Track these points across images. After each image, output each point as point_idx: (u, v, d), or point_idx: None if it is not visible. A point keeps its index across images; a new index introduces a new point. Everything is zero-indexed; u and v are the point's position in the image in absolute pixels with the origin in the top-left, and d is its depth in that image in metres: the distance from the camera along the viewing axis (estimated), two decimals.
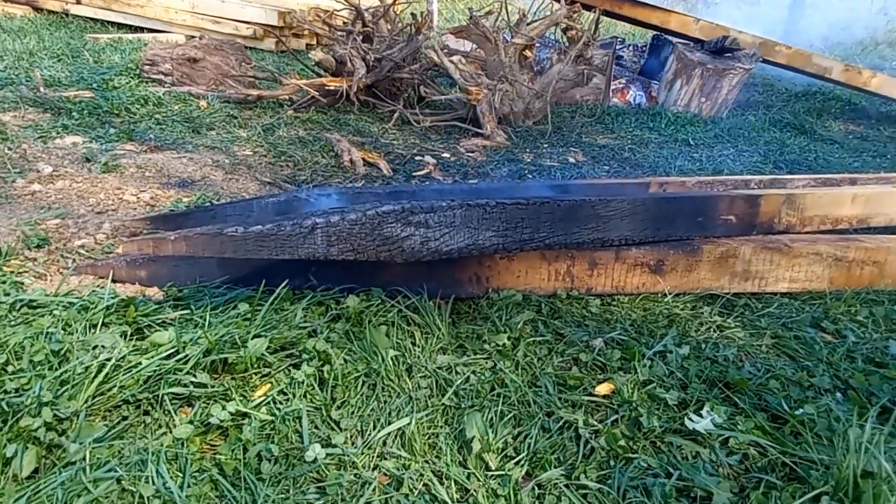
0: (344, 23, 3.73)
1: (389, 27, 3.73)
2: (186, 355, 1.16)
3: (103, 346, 1.19)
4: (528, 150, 3.17)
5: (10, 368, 1.11)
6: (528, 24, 3.65)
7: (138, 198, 2.00)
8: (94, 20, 5.89)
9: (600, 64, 4.20)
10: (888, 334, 1.55)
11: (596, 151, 3.22)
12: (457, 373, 1.28)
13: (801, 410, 1.19)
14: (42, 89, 3.07)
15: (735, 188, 2.32)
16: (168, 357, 1.16)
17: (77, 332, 1.24)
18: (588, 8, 4.61)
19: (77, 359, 1.14)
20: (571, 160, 3.06)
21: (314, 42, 5.94)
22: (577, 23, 3.64)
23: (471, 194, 1.96)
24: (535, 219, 1.48)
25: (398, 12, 3.97)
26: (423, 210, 1.35)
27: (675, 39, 4.49)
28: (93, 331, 1.25)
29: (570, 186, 2.15)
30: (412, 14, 3.67)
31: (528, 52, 3.53)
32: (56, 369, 1.11)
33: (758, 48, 4.15)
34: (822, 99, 4.86)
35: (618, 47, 5.84)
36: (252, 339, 1.23)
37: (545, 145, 3.28)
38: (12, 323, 1.26)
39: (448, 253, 1.40)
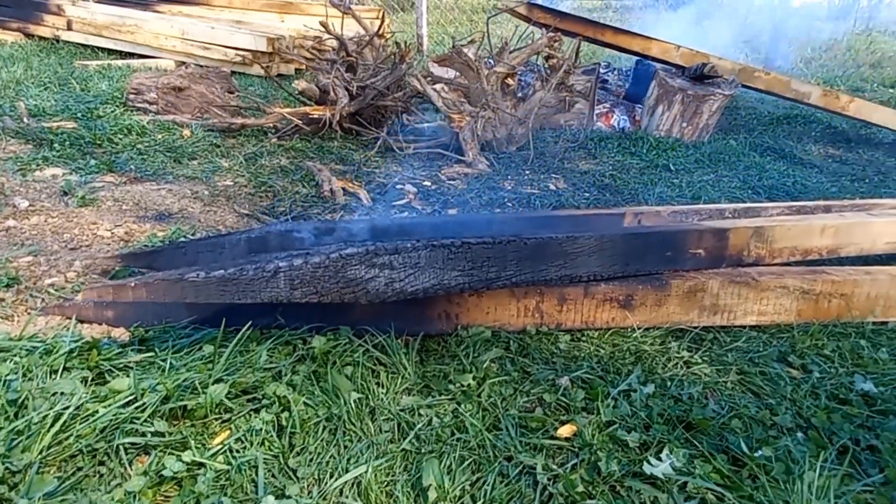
0: (332, 49, 3.77)
1: (374, 55, 3.78)
2: (144, 403, 1.16)
3: (62, 394, 1.19)
4: (509, 177, 3.20)
5: None
6: (510, 52, 3.71)
7: (112, 233, 2.00)
8: (85, 46, 5.95)
9: (583, 90, 4.25)
10: (854, 369, 1.56)
11: (577, 178, 3.25)
12: (420, 415, 1.29)
13: (760, 452, 1.20)
14: (26, 119, 3.09)
15: (709, 217, 2.35)
16: (126, 405, 1.16)
17: (38, 377, 1.23)
18: (570, 34, 4.69)
19: (34, 408, 1.14)
20: (552, 187, 3.08)
21: (304, 67, 6.02)
22: (558, 51, 3.70)
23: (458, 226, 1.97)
24: (501, 257, 1.49)
25: (386, 39, 4.03)
26: (388, 251, 1.36)
27: (657, 65, 4.57)
28: (53, 376, 1.25)
29: (546, 218, 2.16)
30: (396, 43, 3.72)
31: (510, 81, 3.58)
32: (13, 419, 1.11)
33: (737, 74, 4.22)
34: (803, 122, 4.93)
35: (602, 71, 5.93)
36: (213, 384, 1.23)
37: (527, 172, 3.30)
38: None
39: (413, 293, 1.40)
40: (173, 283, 1.20)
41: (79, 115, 3.33)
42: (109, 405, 1.15)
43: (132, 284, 1.19)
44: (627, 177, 3.34)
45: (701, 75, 4.02)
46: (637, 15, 11.51)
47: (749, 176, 3.50)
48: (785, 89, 4.21)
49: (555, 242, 1.55)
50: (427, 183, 2.98)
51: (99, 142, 2.92)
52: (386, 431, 1.23)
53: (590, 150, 3.84)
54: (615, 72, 5.92)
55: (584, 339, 1.65)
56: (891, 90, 6.66)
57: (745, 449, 1.21)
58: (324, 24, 3.23)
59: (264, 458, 1.11)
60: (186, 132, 3.24)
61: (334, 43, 3.65)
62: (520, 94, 3.88)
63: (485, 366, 1.45)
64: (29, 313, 1.53)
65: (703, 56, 4.28)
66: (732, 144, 4.15)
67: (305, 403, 1.24)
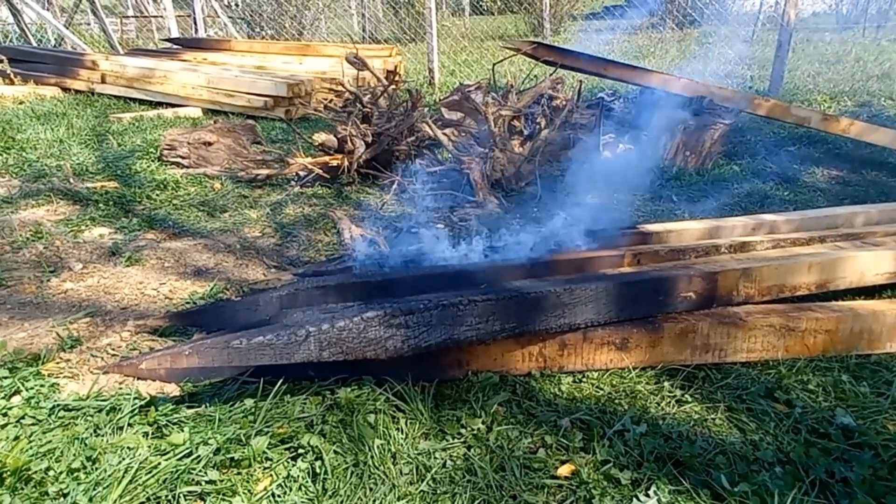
0: (347, 99, 4.03)
1: (388, 102, 4.02)
2: (199, 455, 1.35)
3: (129, 448, 1.39)
4: (518, 215, 3.38)
5: (51, 473, 1.31)
6: (516, 94, 3.92)
7: (158, 291, 2.23)
8: (118, 97, 6.35)
9: (588, 123, 4.44)
10: (836, 403, 1.69)
11: (582, 213, 3.41)
12: (435, 458, 1.45)
13: (739, 487, 1.34)
14: (71, 180, 3.38)
15: (706, 253, 2.48)
16: (184, 457, 1.35)
17: (107, 434, 1.44)
18: (575, 70, 4.89)
19: (107, 461, 1.34)
20: (559, 225, 3.25)
21: (322, 107, 6.33)
22: (561, 92, 3.89)
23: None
24: (504, 311, 1.66)
25: (400, 81, 4.28)
26: (403, 312, 1.54)
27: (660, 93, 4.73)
28: (119, 433, 1.45)
29: (549, 263, 2.32)
30: (408, 90, 3.96)
31: (516, 122, 3.78)
32: (90, 473, 1.31)
33: (737, 103, 4.36)
34: (808, 142, 5.03)
35: (608, 99, 6.11)
36: (255, 435, 1.42)
37: (534, 209, 3.48)
38: (51, 427, 1.47)
39: (427, 348, 1.58)
40: (220, 349, 1.40)
41: (118, 172, 3.62)
42: (169, 458, 1.35)
43: (186, 353, 1.39)
44: (631, 209, 3.49)
45: (701, 106, 4.17)
46: (646, 33, 11.71)
47: (751, 203, 3.62)
48: (785, 114, 4.34)
49: (553, 295, 1.72)
50: (440, 225, 3.17)
51: (138, 199, 3.19)
52: (406, 474, 1.41)
53: (595, 183, 4.00)
54: (621, 99, 6.10)
55: (584, 380, 1.80)
56: None
57: (726, 484, 1.35)
58: (340, 83, 3.47)
59: (301, 503, 1.29)
60: (217, 185, 3.50)
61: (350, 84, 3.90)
62: (526, 133, 4.08)
63: (493, 410, 1.62)
64: (92, 372, 1.75)
65: (703, 86, 4.44)
66: (735, 170, 4.28)
67: (335, 452, 1.42)
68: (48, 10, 10.53)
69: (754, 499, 1.30)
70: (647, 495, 1.32)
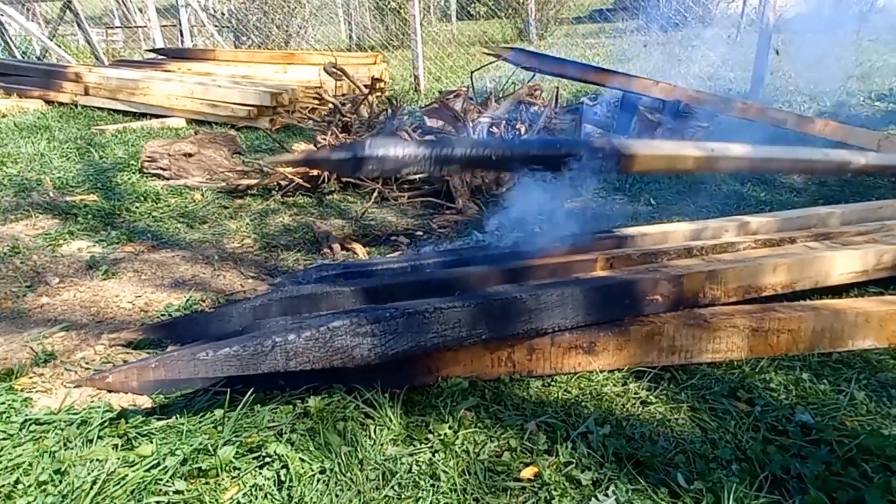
0: (328, 110, 4.06)
1: (368, 111, 4.06)
2: (166, 466, 1.37)
3: (98, 460, 1.41)
4: (497, 221, 3.41)
5: (20, 487, 1.33)
6: (495, 101, 3.97)
7: (133, 304, 2.25)
8: (101, 109, 6.35)
9: (569, 128, 4.49)
10: (796, 401, 1.73)
11: (561, 218, 3.45)
12: (402, 463, 1.48)
13: (694, 485, 1.37)
14: (51, 194, 3.39)
15: (677, 255, 2.52)
16: (151, 468, 1.37)
17: (76, 447, 1.46)
18: (556, 76, 4.95)
19: (75, 474, 1.36)
20: (537, 229, 3.29)
21: (305, 117, 6.35)
22: (539, 98, 3.94)
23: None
24: (470, 318, 1.69)
25: (384, 87, 4.31)
26: (369, 321, 1.57)
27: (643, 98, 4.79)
28: (89, 445, 1.47)
29: (523, 269, 2.36)
30: (388, 98, 3.99)
31: (495, 129, 3.82)
32: (58, 485, 1.33)
33: (715, 106, 4.42)
34: (785, 144, 5.10)
35: (590, 104, 6.18)
36: (223, 445, 1.44)
37: (513, 214, 3.51)
38: (22, 441, 1.49)
39: (394, 356, 1.61)
40: (187, 361, 1.42)
41: (99, 185, 3.63)
42: (137, 469, 1.37)
43: (153, 365, 1.41)
44: (611, 213, 3.54)
45: (678, 110, 4.24)
46: (632, 38, 11.81)
47: (728, 205, 3.67)
48: (762, 117, 4.41)
49: (520, 301, 1.76)
50: (419, 233, 3.21)
51: (118, 212, 3.20)
52: (372, 480, 1.43)
53: (576, 188, 4.05)
54: (603, 104, 6.16)
55: (553, 384, 1.84)
56: (877, 103, 6.81)
57: (682, 482, 1.39)
58: (321, 94, 3.50)
59: None
60: (197, 196, 3.51)
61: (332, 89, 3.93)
62: (507, 138, 4.12)
63: (461, 415, 1.65)
64: (65, 386, 1.76)
65: (681, 90, 4.50)
66: (714, 172, 4.33)
67: (301, 459, 1.44)
68: (32, 21, 10.52)
69: (708, 496, 1.34)
70: (606, 495, 1.36)
